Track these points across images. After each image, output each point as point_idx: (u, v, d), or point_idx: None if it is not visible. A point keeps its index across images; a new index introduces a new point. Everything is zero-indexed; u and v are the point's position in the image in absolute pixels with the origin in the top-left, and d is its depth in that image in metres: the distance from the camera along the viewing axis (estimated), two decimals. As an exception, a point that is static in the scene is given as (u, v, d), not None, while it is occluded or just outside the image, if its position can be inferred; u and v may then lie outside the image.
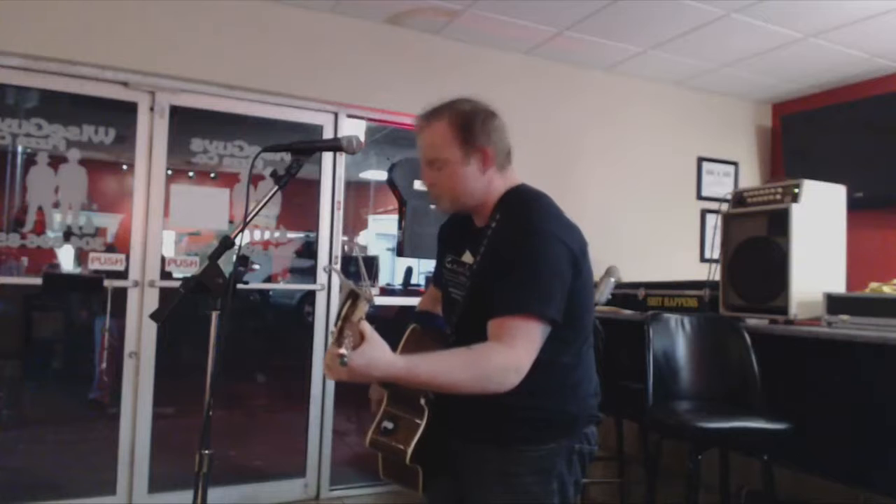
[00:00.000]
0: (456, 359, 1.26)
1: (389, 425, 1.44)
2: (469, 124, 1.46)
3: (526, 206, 1.46)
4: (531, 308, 1.31)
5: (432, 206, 3.83)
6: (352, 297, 1.11)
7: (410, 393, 1.42)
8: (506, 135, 1.53)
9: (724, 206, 2.86)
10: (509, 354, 1.27)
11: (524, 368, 1.28)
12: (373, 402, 1.60)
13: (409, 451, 1.37)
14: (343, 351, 1.07)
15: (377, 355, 1.15)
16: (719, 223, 2.80)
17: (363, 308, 1.12)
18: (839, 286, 2.58)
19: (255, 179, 3.47)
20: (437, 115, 1.49)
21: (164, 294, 3.23)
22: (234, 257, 1.53)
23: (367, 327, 1.15)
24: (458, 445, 1.48)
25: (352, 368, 1.12)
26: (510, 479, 1.41)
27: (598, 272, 2.27)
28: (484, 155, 1.47)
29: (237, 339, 4.37)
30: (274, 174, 1.54)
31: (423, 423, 1.39)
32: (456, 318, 1.51)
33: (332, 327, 1.20)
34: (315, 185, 3.65)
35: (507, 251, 1.38)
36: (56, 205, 3.15)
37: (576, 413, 1.46)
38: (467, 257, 1.53)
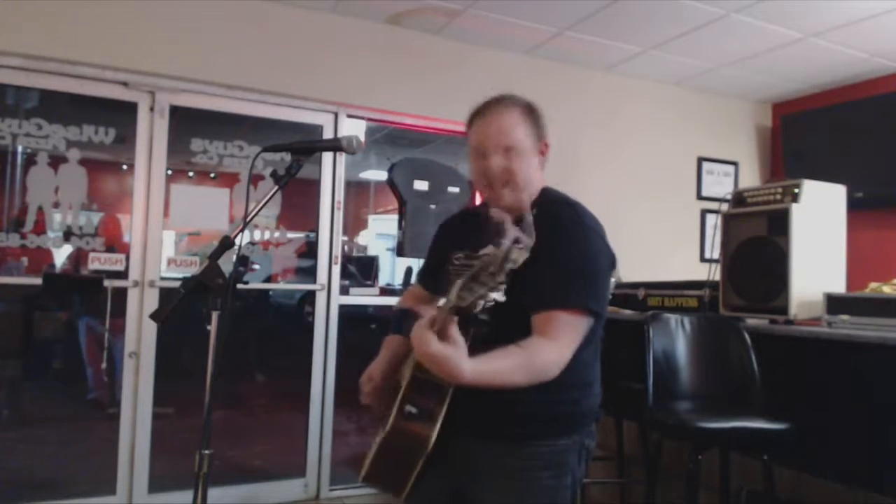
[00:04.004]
0: (512, 362, 1.28)
1: (413, 410, 1.39)
2: (537, 116, 1.51)
3: (569, 205, 1.48)
4: (581, 302, 1.35)
5: (432, 207, 3.86)
6: (517, 242, 1.14)
7: (435, 379, 1.36)
8: None
9: (724, 206, 2.85)
10: (556, 351, 1.32)
11: (567, 361, 1.33)
12: (363, 393, 1.55)
13: (433, 437, 1.33)
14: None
15: (455, 360, 1.17)
16: (719, 223, 2.80)
17: (524, 256, 1.12)
18: (839, 286, 2.58)
19: (255, 179, 3.47)
20: (508, 103, 1.49)
21: (164, 294, 3.24)
22: (234, 257, 1.54)
23: (455, 331, 1.18)
24: (469, 442, 1.45)
25: (431, 355, 1.16)
26: (527, 474, 1.41)
27: (598, 272, 2.25)
28: (545, 148, 1.53)
29: (237, 339, 4.37)
30: (274, 174, 1.53)
31: (444, 409, 1.36)
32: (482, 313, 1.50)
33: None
34: (315, 185, 3.65)
35: (555, 244, 1.37)
36: (56, 205, 3.15)
37: (589, 408, 1.49)
38: (489, 251, 1.52)
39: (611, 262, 1.45)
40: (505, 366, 1.27)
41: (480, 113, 1.51)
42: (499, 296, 1.13)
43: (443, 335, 1.17)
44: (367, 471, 1.45)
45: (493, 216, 1.33)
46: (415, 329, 1.19)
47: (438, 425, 1.34)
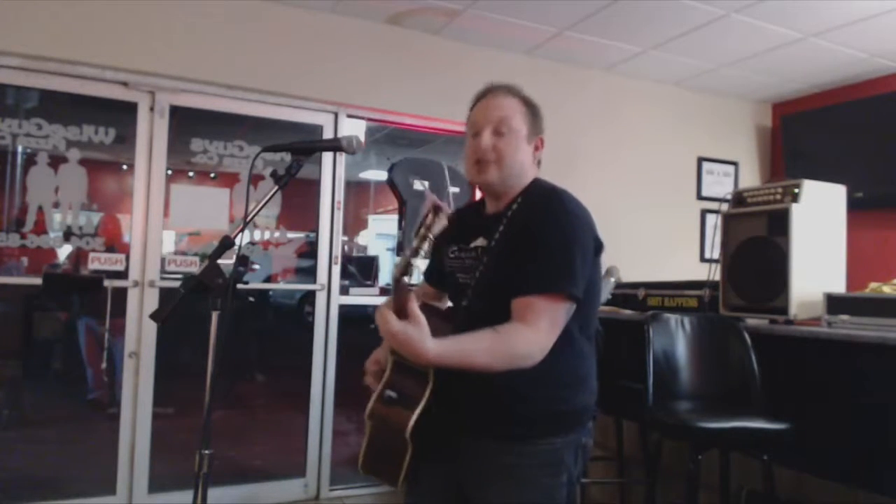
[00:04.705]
0: (482, 344, 1.29)
1: (393, 394, 1.40)
2: (536, 111, 1.56)
3: (555, 192, 1.49)
4: (558, 287, 1.35)
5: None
6: (434, 210, 1.20)
7: (411, 362, 1.37)
8: None
9: (724, 206, 2.85)
10: (533, 337, 1.31)
11: (548, 347, 1.33)
12: (368, 373, 1.55)
13: (412, 422, 1.32)
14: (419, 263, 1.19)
15: (417, 337, 1.21)
16: (719, 223, 2.80)
17: (441, 223, 1.21)
18: (839, 286, 2.58)
19: (255, 179, 3.47)
20: (509, 91, 1.54)
21: (164, 294, 3.24)
22: (234, 257, 1.54)
23: (416, 308, 1.22)
24: (467, 440, 1.46)
25: (393, 335, 1.20)
26: (524, 472, 1.42)
27: (598, 272, 2.25)
28: (540, 142, 1.56)
29: (238, 339, 4.37)
30: (274, 174, 1.53)
31: (426, 394, 1.35)
32: (468, 299, 1.50)
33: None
34: (315, 185, 3.65)
35: (536, 229, 1.39)
36: (56, 205, 3.15)
37: (586, 405, 1.48)
38: (479, 242, 1.53)
39: (596, 247, 1.44)
40: (473, 347, 1.28)
41: (482, 96, 1.56)
42: (419, 261, 1.22)
43: (403, 314, 1.21)
44: (362, 461, 1.46)
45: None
46: (377, 310, 1.24)
47: (418, 410, 1.34)
